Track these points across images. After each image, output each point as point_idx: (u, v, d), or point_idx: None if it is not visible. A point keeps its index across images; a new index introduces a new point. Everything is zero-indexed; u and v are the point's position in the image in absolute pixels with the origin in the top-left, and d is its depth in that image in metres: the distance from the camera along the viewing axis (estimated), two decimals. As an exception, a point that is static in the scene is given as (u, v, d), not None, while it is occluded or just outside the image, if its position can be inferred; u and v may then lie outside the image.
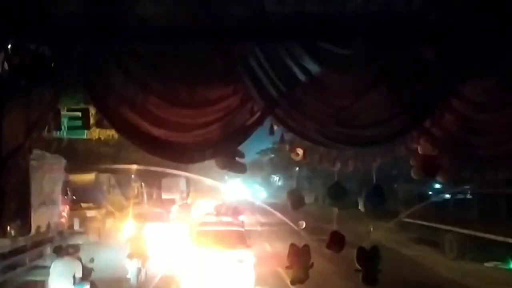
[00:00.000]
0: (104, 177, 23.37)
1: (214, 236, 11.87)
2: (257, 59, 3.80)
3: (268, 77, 3.88)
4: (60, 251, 9.67)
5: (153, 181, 36.25)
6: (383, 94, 3.95)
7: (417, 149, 4.66)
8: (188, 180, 38.53)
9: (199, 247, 11.36)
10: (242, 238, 11.88)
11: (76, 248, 9.88)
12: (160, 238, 16.38)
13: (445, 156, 4.57)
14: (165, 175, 32.04)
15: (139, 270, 12.97)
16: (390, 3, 3.67)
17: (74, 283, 9.14)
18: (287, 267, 4.84)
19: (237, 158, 4.75)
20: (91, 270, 9.80)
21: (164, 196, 35.77)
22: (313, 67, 3.83)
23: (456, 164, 4.83)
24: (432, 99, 4.01)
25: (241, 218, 24.09)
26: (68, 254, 9.42)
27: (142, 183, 31.34)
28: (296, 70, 3.86)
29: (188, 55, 3.76)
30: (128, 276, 12.57)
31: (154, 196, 35.74)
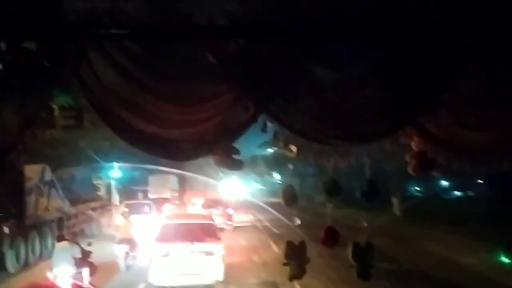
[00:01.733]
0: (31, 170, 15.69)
1: (180, 229, 12.08)
2: (250, 56, 3.88)
3: (261, 74, 3.96)
4: (60, 238, 11.16)
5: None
6: (376, 90, 4.05)
7: (411, 145, 4.76)
8: (183, 178, 37.30)
9: (164, 241, 11.52)
10: (211, 231, 12.05)
11: (75, 233, 12.21)
12: (145, 228, 17.01)
13: (439, 151, 4.67)
14: (153, 171, 31.31)
15: (127, 254, 14.37)
16: (381, 1, 3.76)
17: (75, 264, 10.44)
18: (284, 264, 4.94)
19: (232, 155, 4.86)
20: (89, 252, 11.02)
21: (152, 195, 33.69)
22: (306, 64, 3.93)
23: (450, 158, 4.93)
24: (425, 94, 4.10)
25: (230, 211, 24.51)
26: (67, 240, 10.94)
27: (112, 182, 28.69)
28: (289, 66, 3.95)
29: (181, 52, 3.85)
30: (117, 260, 13.92)
31: (140, 196, 32.77)
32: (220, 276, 11.30)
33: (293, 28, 3.80)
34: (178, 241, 11.54)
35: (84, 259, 10.82)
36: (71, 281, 10.23)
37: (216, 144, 4.34)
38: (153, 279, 11.19)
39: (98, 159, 21.98)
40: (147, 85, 3.88)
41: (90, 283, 10.88)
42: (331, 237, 4.64)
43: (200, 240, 11.56)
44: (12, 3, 3.54)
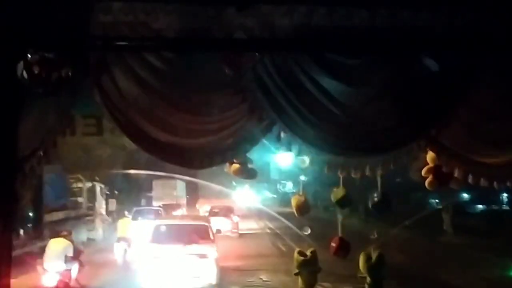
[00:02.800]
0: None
1: (173, 231, 12.08)
2: (265, 69, 4.04)
3: (276, 86, 4.11)
4: (55, 234, 11.53)
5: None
6: (389, 103, 4.16)
7: (425, 159, 4.84)
8: (194, 185, 36.68)
9: (157, 242, 11.51)
10: (205, 233, 11.97)
11: (69, 231, 11.71)
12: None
13: (454, 164, 4.73)
14: (158, 176, 30.11)
15: (125, 251, 15.16)
16: (396, 16, 3.88)
17: (65, 262, 10.84)
18: (296, 274, 5.03)
19: (247, 165, 5.02)
20: (81, 251, 11.70)
21: (156, 202, 32.47)
22: (320, 77, 4.06)
23: (466, 172, 4.99)
24: (438, 107, 4.20)
25: (236, 219, 24.71)
26: (62, 236, 11.22)
27: (102, 186, 26.74)
28: (303, 79, 4.09)
29: (198, 64, 4.02)
30: (115, 257, 14.76)
31: (143, 203, 32.41)
32: (213, 279, 11.15)
33: (308, 42, 3.95)
34: (171, 243, 11.49)
35: (75, 258, 11.24)
36: (58, 277, 10.60)
37: (231, 153, 4.49)
38: (144, 282, 11.09)
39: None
40: (165, 95, 4.06)
41: (77, 280, 11.31)
42: (342, 248, 4.73)
43: (193, 242, 11.52)
44: (36, 15, 3.75)
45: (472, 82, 4.18)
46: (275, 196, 47.93)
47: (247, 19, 3.85)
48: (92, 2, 3.73)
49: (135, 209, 24.95)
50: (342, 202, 5.00)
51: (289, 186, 47.31)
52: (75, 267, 11.28)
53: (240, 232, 24.92)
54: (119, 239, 15.64)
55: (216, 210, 26.24)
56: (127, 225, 16.44)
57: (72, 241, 11.35)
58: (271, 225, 29.67)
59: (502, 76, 4.20)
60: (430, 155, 4.79)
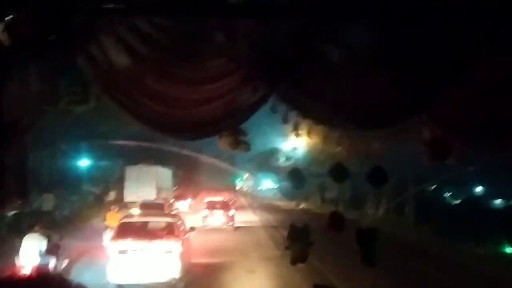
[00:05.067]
0: None
1: (138, 227, 12.80)
2: (260, 36, 3.94)
3: (271, 55, 4.01)
4: (30, 227, 11.72)
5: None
6: (389, 74, 4.08)
7: (426, 133, 4.81)
8: (187, 173, 33.55)
9: (122, 238, 12.11)
10: (170, 228, 12.62)
11: (42, 225, 11.94)
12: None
13: (456, 138, 4.71)
14: (132, 162, 27.51)
15: None
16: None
17: (40, 256, 11.07)
18: (286, 247, 5.06)
19: (240, 137, 4.96)
20: (58, 246, 11.72)
21: (130, 198, 27.04)
22: (318, 44, 3.97)
23: (468, 146, 4.98)
24: (440, 79, 4.13)
25: (231, 212, 25.50)
26: (37, 231, 11.47)
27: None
28: (300, 47, 4.00)
29: (190, 30, 3.91)
30: (103, 243, 14.88)
31: (112, 196, 27.67)
32: (177, 274, 11.75)
33: (304, 8, 3.84)
34: (136, 239, 12.09)
35: (52, 252, 11.43)
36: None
37: (224, 124, 4.43)
38: (110, 277, 11.69)
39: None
40: (155, 63, 3.96)
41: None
42: (336, 222, 4.75)
43: (158, 238, 12.12)
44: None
45: (477, 54, 4.11)
46: (277, 186, 47.85)
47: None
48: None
49: (141, 202, 23.84)
50: (337, 175, 4.97)
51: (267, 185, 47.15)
52: (52, 261, 11.46)
53: (237, 225, 25.37)
54: (107, 229, 16.37)
55: (213, 204, 26.29)
56: (116, 216, 17.04)
57: (48, 236, 11.53)
58: (270, 217, 29.78)
59: (508, 47, 4.12)
60: (429, 128, 4.77)
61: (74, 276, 11.28)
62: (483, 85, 4.28)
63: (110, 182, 30.03)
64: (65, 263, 12.06)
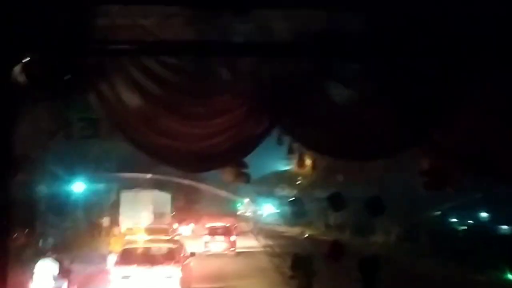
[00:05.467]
0: None
1: (140, 253, 13.35)
2: (263, 72, 4.14)
3: (274, 89, 4.21)
4: (41, 253, 12.41)
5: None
6: (388, 106, 4.26)
7: (425, 162, 4.96)
8: (189, 197, 32.88)
9: (124, 264, 12.64)
10: (171, 254, 13.13)
11: (55, 250, 12.69)
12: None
13: (452, 166, 4.86)
14: (128, 186, 26.25)
15: None
16: (392, 18, 3.98)
17: (54, 280, 11.66)
18: (291, 277, 5.14)
19: (242, 169, 5.12)
20: (69, 270, 12.33)
21: (126, 223, 25.87)
22: (319, 81, 4.17)
23: (465, 175, 5.12)
24: (438, 110, 4.31)
25: (233, 238, 25.65)
26: (49, 256, 12.03)
27: None
28: (302, 82, 4.19)
29: (196, 68, 4.12)
30: (107, 267, 15.15)
31: (107, 223, 26.69)
32: None
33: (306, 46, 4.05)
34: (137, 265, 12.60)
35: (63, 276, 11.99)
36: None
37: (230, 157, 4.60)
38: None
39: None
40: (163, 100, 4.15)
41: None
42: (336, 251, 4.84)
43: (159, 263, 12.59)
44: (34, 19, 3.83)
45: (471, 85, 4.28)
46: (279, 211, 47.66)
47: (245, 23, 3.94)
48: (91, 6, 3.81)
49: (149, 227, 23.65)
50: (335, 205, 5.08)
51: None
52: (64, 285, 12.02)
53: (238, 250, 25.44)
54: (110, 251, 17.04)
55: (214, 229, 26.49)
56: (120, 240, 17.61)
57: (59, 261, 12.04)
58: (271, 243, 29.65)
59: (503, 76, 4.28)
60: (427, 156, 4.92)
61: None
62: (480, 115, 4.44)
63: (104, 208, 28.97)
64: None
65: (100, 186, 25.85)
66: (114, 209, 28.19)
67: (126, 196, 27.60)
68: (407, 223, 25.36)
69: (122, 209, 27.37)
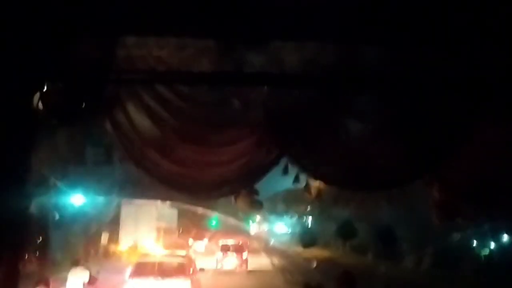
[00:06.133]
0: None
1: (153, 266, 14.53)
2: (274, 103, 4.26)
3: (284, 120, 4.33)
4: (76, 262, 12.89)
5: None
6: (396, 140, 4.35)
7: (434, 194, 5.00)
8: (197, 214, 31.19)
9: (138, 276, 13.85)
10: (182, 268, 14.33)
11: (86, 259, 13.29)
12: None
13: (461, 199, 4.89)
14: (129, 199, 23.53)
15: None
16: (403, 55, 4.10)
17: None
18: None
19: (253, 196, 5.20)
20: (96, 278, 12.84)
21: (126, 240, 24.75)
22: (328, 112, 4.28)
23: (474, 208, 5.15)
24: (444, 144, 4.38)
25: (245, 255, 25.93)
26: (81, 264, 12.73)
27: None
28: (311, 114, 4.31)
29: (208, 97, 4.26)
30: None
31: (105, 239, 24.54)
32: None
33: (316, 78, 4.18)
34: (150, 277, 13.70)
35: (91, 284, 12.63)
36: None
37: (239, 184, 4.70)
38: None
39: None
40: (175, 127, 4.28)
41: None
42: (346, 282, 4.84)
43: (170, 277, 13.64)
44: (55, 48, 4.01)
45: (477, 119, 4.36)
46: (289, 230, 47.16)
47: (258, 55, 4.08)
48: (109, 38, 3.98)
49: None
50: (345, 234, 5.12)
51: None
52: None
53: (250, 268, 25.81)
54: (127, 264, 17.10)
55: (227, 247, 26.87)
56: (135, 251, 18.35)
57: (88, 269, 12.73)
58: (283, 262, 29.58)
59: (508, 112, 4.36)
60: (436, 190, 4.96)
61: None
62: (488, 147, 4.50)
63: (103, 222, 26.66)
64: None
65: (100, 198, 23.35)
66: (113, 224, 26.07)
67: (127, 210, 25.42)
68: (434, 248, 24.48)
69: (123, 224, 25.52)
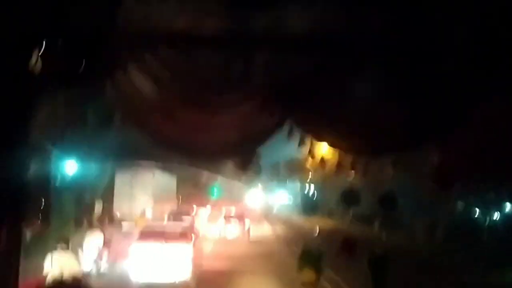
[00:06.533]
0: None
1: (156, 233, 15.81)
2: (277, 66, 4.17)
3: (288, 82, 4.24)
4: (92, 225, 14.98)
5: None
6: (402, 104, 4.28)
7: (437, 160, 4.98)
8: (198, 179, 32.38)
9: (144, 241, 14.90)
10: (184, 234, 15.51)
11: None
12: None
13: (464, 165, 4.87)
14: (121, 165, 22.97)
15: None
16: (413, 18, 3.97)
17: (100, 248, 14.33)
18: (299, 271, 5.19)
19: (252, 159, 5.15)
20: (110, 241, 14.95)
21: (121, 211, 23.53)
22: (334, 74, 4.19)
23: (478, 174, 5.14)
24: (450, 109, 4.32)
25: (247, 224, 26.75)
26: (97, 227, 14.98)
27: None
28: (315, 77, 4.22)
29: (211, 59, 4.16)
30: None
31: (98, 210, 22.51)
32: (188, 271, 14.22)
33: (321, 40, 4.07)
34: (154, 242, 14.70)
35: (106, 245, 14.44)
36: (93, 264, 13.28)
37: (241, 148, 4.66)
38: (134, 276, 14.21)
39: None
40: (177, 90, 4.21)
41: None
42: (348, 248, 4.87)
43: (172, 241, 14.69)
44: (53, 7, 3.89)
45: (486, 86, 4.28)
46: (292, 199, 47.34)
47: (262, 16, 3.96)
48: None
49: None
50: (349, 200, 5.11)
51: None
52: (105, 254, 14.45)
53: (252, 237, 26.98)
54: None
55: (229, 216, 27.91)
56: (144, 220, 19.15)
57: (103, 232, 14.45)
58: (285, 231, 30.29)
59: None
60: (438, 155, 4.94)
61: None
62: (494, 115, 4.45)
63: (97, 191, 24.69)
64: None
65: (93, 167, 22.14)
66: (108, 193, 24.58)
67: (122, 178, 24.12)
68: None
69: (117, 194, 24.21)
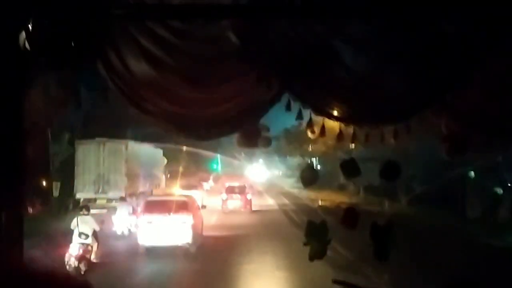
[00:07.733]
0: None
1: (160, 204, 18.13)
2: (273, 36, 4.09)
3: (284, 53, 4.17)
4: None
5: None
6: (402, 69, 4.21)
7: (442, 127, 4.91)
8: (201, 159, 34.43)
9: (148, 212, 17.38)
10: (184, 206, 17.58)
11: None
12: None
13: (471, 130, 4.81)
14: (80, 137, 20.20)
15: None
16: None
17: (128, 216, 18.53)
18: (305, 244, 5.18)
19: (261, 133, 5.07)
20: (137, 210, 18.81)
21: (84, 193, 19.44)
22: (331, 43, 4.11)
23: (484, 138, 5.08)
24: (453, 72, 4.24)
25: (249, 196, 29.44)
26: (125, 199, 19.68)
27: None
28: (313, 45, 4.15)
29: (204, 32, 4.08)
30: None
31: (55, 192, 18.89)
32: (189, 239, 16.71)
33: (317, 8, 3.98)
34: (159, 213, 17.10)
35: (134, 214, 17.90)
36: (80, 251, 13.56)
37: (239, 122, 4.61)
38: (141, 240, 16.88)
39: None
40: (171, 66, 4.14)
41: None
42: (350, 218, 4.85)
43: (175, 212, 16.95)
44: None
45: (489, 46, 4.20)
46: (292, 172, 47.60)
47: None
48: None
49: None
50: (349, 171, 5.04)
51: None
52: (134, 221, 17.95)
53: (254, 208, 28.34)
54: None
55: (232, 188, 29.72)
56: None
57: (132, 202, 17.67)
58: (286, 201, 31.15)
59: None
60: (445, 122, 4.87)
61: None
62: (500, 76, 4.37)
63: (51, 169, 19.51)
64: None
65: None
66: (67, 171, 19.77)
67: (85, 151, 19.41)
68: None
69: (79, 171, 19.53)
